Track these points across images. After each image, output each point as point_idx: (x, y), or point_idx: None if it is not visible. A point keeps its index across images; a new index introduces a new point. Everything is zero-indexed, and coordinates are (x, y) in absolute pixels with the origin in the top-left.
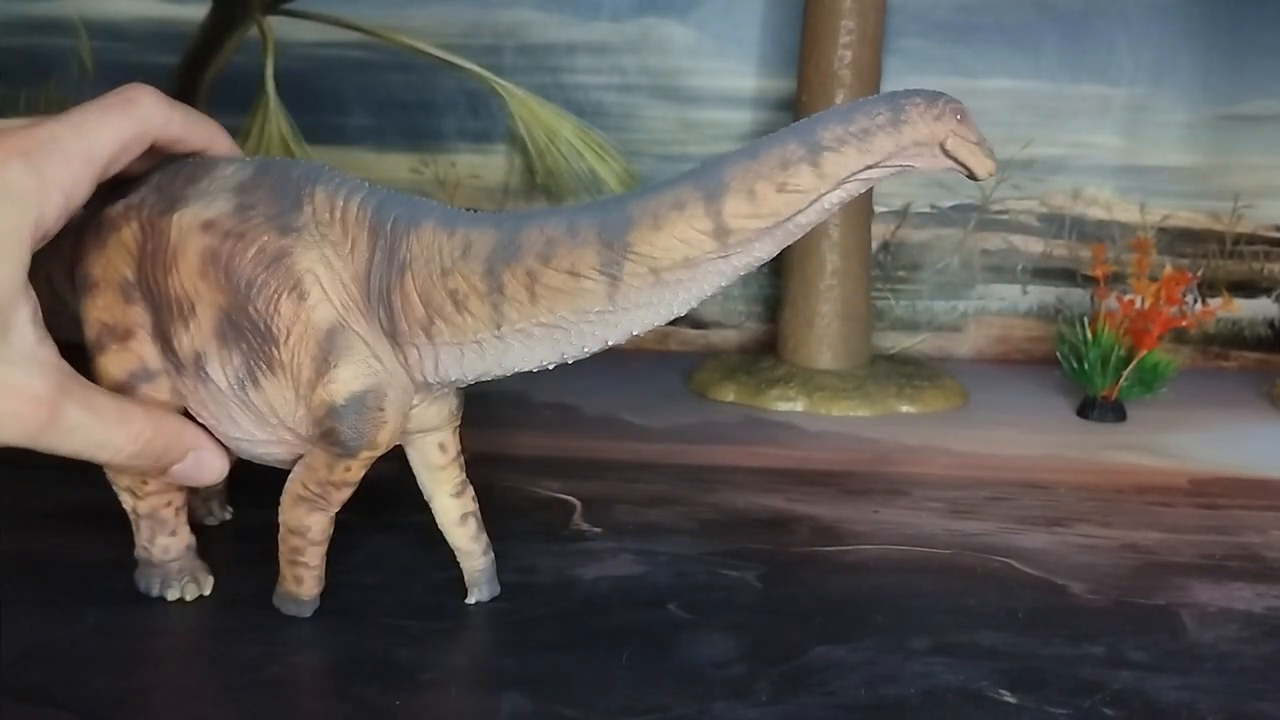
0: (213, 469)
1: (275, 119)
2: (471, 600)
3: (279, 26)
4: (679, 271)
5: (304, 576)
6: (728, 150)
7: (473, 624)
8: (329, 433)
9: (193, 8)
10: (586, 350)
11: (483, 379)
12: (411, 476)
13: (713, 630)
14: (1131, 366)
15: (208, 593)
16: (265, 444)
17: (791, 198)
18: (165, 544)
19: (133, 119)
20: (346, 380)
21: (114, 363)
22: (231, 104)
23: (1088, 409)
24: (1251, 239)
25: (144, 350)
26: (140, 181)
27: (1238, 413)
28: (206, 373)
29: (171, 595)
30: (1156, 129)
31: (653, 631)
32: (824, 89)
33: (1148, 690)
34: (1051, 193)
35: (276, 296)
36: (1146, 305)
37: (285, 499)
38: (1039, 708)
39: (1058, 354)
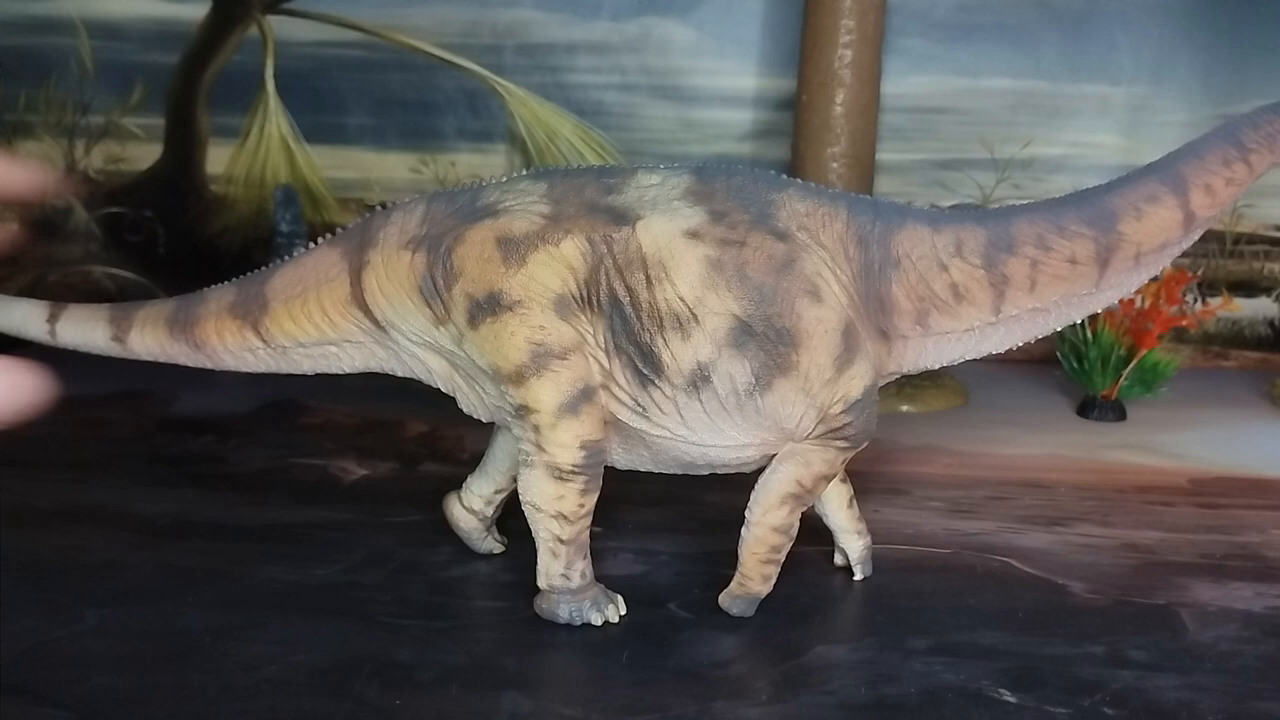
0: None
1: (275, 118)
2: (858, 577)
3: (279, 26)
4: (1153, 255)
5: (774, 575)
6: (728, 150)
7: (473, 624)
8: (841, 427)
9: (193, 7)
10: (1053, 330)
11: (951, 364)
12: (411, 475)
13: (713, 630)
14: (1131, 366)
15: (625, 612)
16: (742, 449)
17: (1234, 190)
18: (582, 568)
19: None
20: (860, 376)
21: (563, 381)
22: (231, 103)
23: (1088, 408)
24: (1251, 239)
25: (585, 367)
26: (518, 195)
27: (1238, 412)
28: (708, 381)
29: (601, 619)
30: (1156, 129)
31: (653, 631)
32: (824, 88)
33: (1148, 690)
34: (1052, 192)
35: (794, 300)
36: (1146, 304)
37: (768, 500)
38: (1039, 707)
39: (1058, 353)
